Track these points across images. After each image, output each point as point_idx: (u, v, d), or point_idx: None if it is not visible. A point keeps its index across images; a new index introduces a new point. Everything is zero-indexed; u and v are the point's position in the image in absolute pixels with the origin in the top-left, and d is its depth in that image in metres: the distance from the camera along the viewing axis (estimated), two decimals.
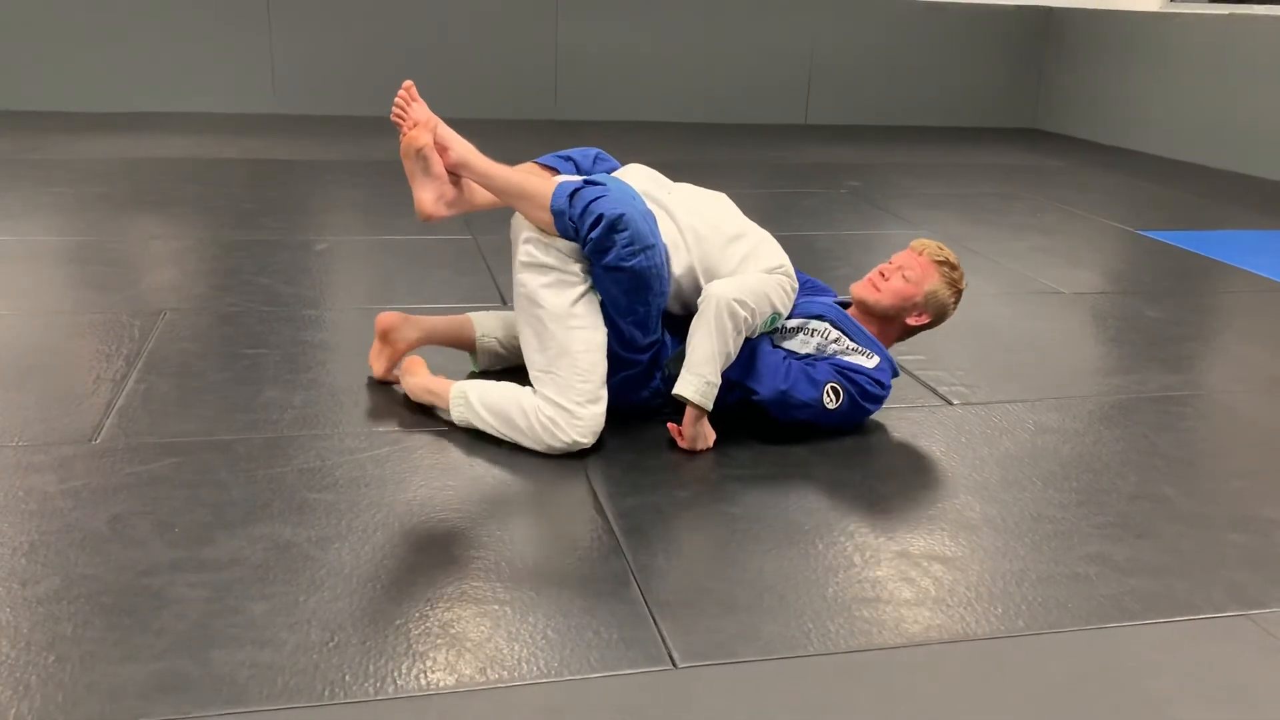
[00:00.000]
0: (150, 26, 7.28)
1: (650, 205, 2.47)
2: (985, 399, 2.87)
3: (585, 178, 2.39)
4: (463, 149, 2.41)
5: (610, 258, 2.29)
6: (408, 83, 2.42)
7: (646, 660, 1.69)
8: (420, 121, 2.38)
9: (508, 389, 2.44)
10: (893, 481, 2.38)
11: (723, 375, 2.45)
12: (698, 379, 2.38)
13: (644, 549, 2.02)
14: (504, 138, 7.06)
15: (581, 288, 2.38)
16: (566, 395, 2.34)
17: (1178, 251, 4.72)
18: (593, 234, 2.27)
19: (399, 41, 7.64)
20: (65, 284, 3.54)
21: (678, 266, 2.46)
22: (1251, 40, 6.89)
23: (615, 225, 2.26)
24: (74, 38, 7.17)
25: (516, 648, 1.70)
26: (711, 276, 2.48)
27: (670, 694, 1.62)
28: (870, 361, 2.57)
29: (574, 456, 2.39)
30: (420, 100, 2.42)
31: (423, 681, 1.61)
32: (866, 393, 2.53)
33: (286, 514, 2.08)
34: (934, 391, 2.90)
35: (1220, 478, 2.47)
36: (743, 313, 2.38)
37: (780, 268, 2.55)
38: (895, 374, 2.65)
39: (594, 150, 2.63)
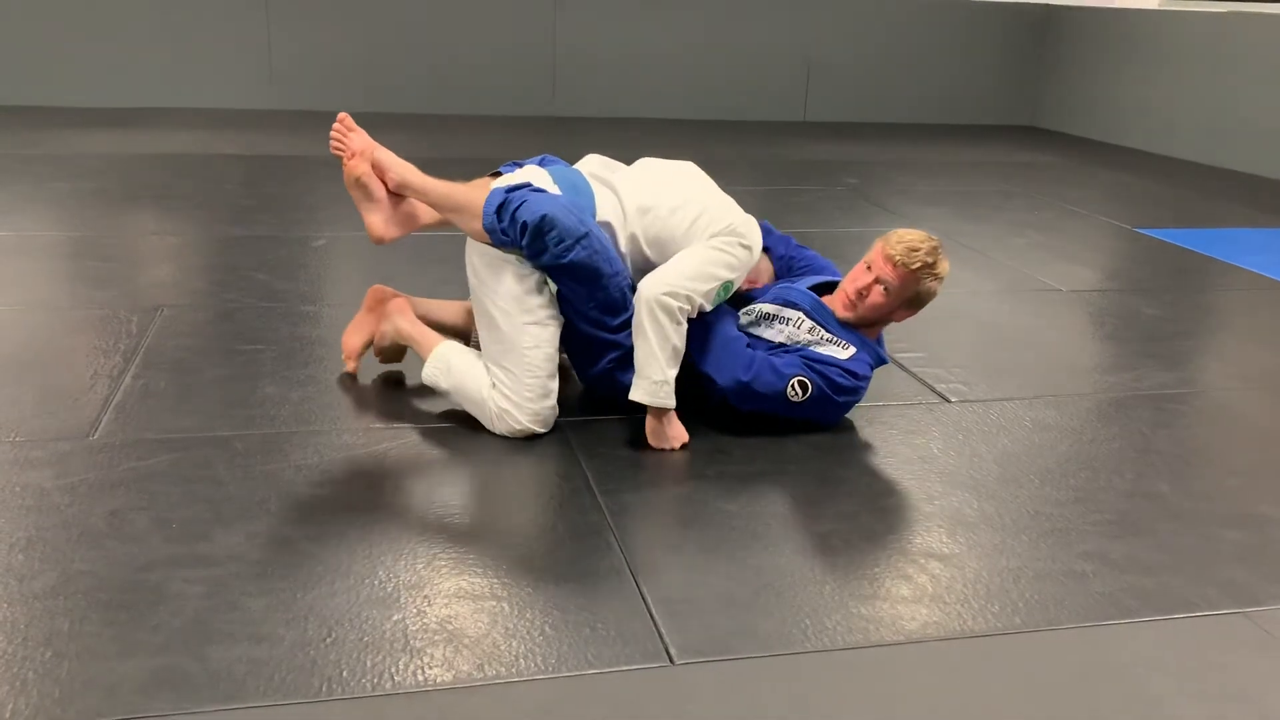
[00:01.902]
0: (147, 21, 7.27)
1: (596, 186, 2.51)
2: (983, 396, 2.87)
3: (509, 185, 2.39)
4: (400, 170, 2.48)
5: (547, 258, 2.32)
6: (342, 114, 2.48)
7: (644, 656, 1.69)
8: (357, 151, 2.46)
9: (478, 371, 2.47)
10: (890, 478, 2.38)
11: (688, 364, 2.47)
12: (645, 381, 2.40)
13: (641, 546, 2.02)
14: (502, 134, 7.05)
15: (532, 280, 2.40)
16: (518, 391, 2.40)
17: (1175, 249, 4.72)
18: (524, 242, 2.31)
19: (397, 36, 7.63)
20: (62, 279, 3.54)
21: (623, 243, 2.49)
22: (1249, 38, 6.89)
23: (541, 228, 2.29)
24: (71, 32, 7.16)
25: (514, 644, 1.70)
26: (663, 245, 2.49)
27: (667, 690, 1.62)
28: (845, 352, 2.54)
29: (572, 453, 2.39)
30: (357, 129, 2.49)
31: (420, 678, 1.61)
32: (838, 385, 2.50)
33: (284, 510, 2.08)
34: (931, 389, 2.90)
35: (1217, 475, 2.47)
36: (674, 303, 2.37)
37: (727, 228, 2.49)
38: (882, 361, 2.63)
39: (541, 156, 2.64)
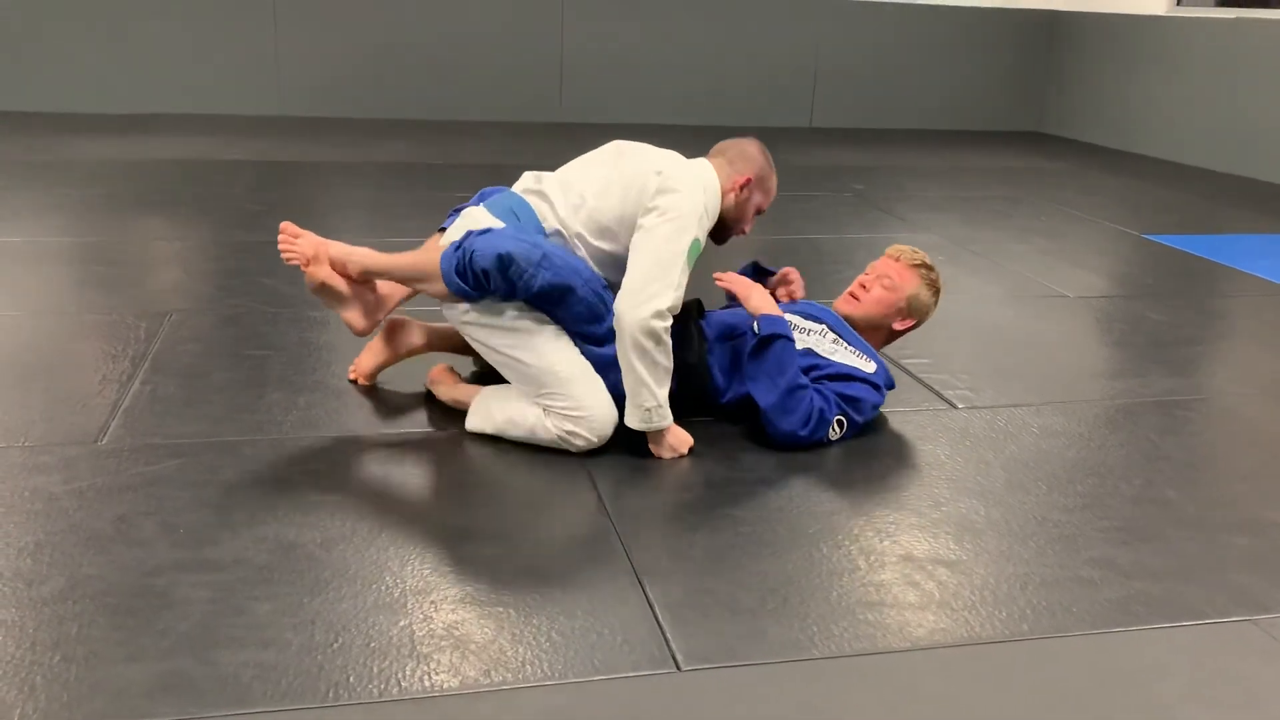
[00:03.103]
0: (156, 28, 7.30)
1: (533, 200, 2.50)
2: (990, 402, 2.86)
3: (454, 243, 2.35)
4: (359, 257, 2.47)
5: (520, 293, 2.31)
6: (283, 224, 2.46)
7: (650, 663, 1.69)
8: (311, 257, 2.44)
9: (519, 405, 2.42)
10: (897, 485, 2.37)
11: (750, 396, 2.47)
12: (637, 409, 2.36)
13: (648, 551, 2.02)
14: (509, 140, 7.07)
15: (512, 310, 2.37)
16: (573, 408, 2.35)
17: (1182, 255, 4.71)
18: (492, 287, 2.30)
19: (404, 44, 7.66)
20: (71, 285, 3.55)
21: (575, 245, 2.48)
22: (1257, 44, 6.88)
23: (502, 267, 2.26)
24: (80, 39, 7.19)
25: (520, 650, 1.70)
26: (610, 231, 2.45)
27: (674, 696, 1.62)
28: (869, 366, 2.57)
29: (579, 459, 2.39)
30: (303, 233, 2.47)
31: (427, 683, 1.61)
32: (863, 408, 2.54)
33: (291, 515, 2.09)
34: (938, 395, 2.90)
35: (1225, 481, 2.47)
36: (657, 324, 2.29)
37: (659, 181, 2.41)
38: (891, 385, 2.65)
39: (480, 192, 2.62)
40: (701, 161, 2.57)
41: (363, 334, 2.58)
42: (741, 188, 2.56)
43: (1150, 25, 7.76)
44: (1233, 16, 7.13)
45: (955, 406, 2.83)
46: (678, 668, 1.68)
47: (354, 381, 2.77)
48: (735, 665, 1.69)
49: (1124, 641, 1.82)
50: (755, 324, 2.49)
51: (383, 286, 2.58)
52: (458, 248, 2.32)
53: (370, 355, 2.76)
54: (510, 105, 7.91)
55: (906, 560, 2.04)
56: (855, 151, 7.36)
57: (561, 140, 7.08)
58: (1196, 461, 2.57)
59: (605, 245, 2.48)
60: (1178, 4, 7.73)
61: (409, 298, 2.64)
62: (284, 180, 5.40)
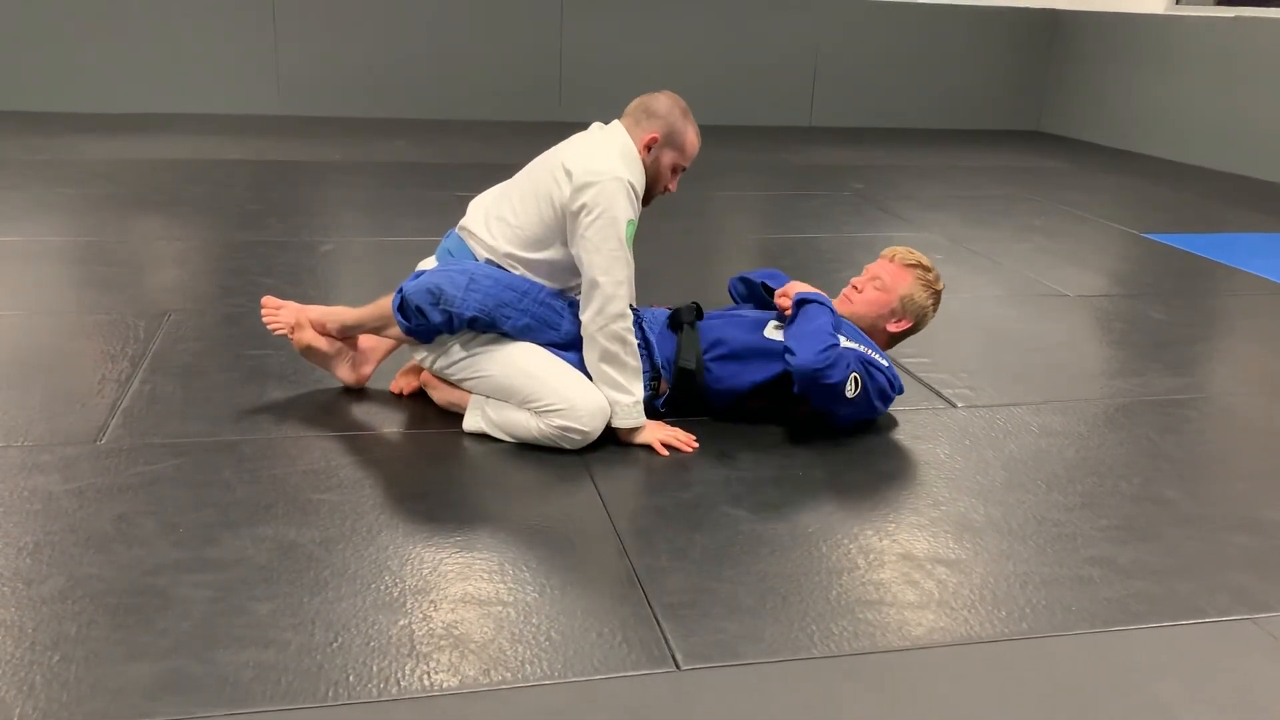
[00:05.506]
0: (156, 28, 7.29)
1: (464, 235, 2.59)
2: (989, 401, 2.86)
3: (396, 291, 2.45)
4: (336, 316, 2.63)
5: (458, 321, 2.39)
6: (264, 299, 2.66)
7: (650, 662, 1.69)
8: (294, 324, 2.59)
9: (519, 409, 2.44)
10: (896, 484, 2.37)
11: (743, 396, 2.52)
12: (614, 405, 2.42)
13: (648, 550, 2.02)
14: (508, 140, 7.06)
15: (464, 340, 2.45)
16: (556, 404, 2.38)
17: (1182, 254, 4.71)
18: (437, 321, 2.39)
19: (403, 43, 7.65)
20: (71, 284, 3.55)
21: (511, 266, 2.50)
22: (1256, 43, 6.88)
23: (434, 302, 2.37)
24: (80, 39, 7.19)
25: (520, 649, 1.70)
26: (540, 241, 2.47)
27: (673, 695, 1.62)
28: (883, 362, 2.58)
29: (578, 457, 2.39)
30: (283, 303, 2.63)
31: (426, 683, 1.61)
32: (882, 390, 2.53)
33: (291, 514, 2.09)
34: (938, 394, 2.90)
35: (1224, 480, 2.47)
36: (617, 326, 2.38)
37: (570, 177, 2.40)
38: (900, 390, 2.65)
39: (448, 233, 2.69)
40: (614, 128, 2.56)
41: (354, 386, 2.70)
42: (647, 148, 2.51)
43: (1150, 24, 7.76)
44: (1232, 15, 7.13)
45: (955, 405, 2.83)
46: (677, 667, 1.68)
47: (398, 394, 2.75)
48: (735, 664, 1.70)
49: (1123, 640, 1.82)
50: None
51: (365, 340, 2.71)
52: (398, 294, 2.44)
53: (405, 377, 2.77)
54: (510, 105, 7.90)
55: (906, 559, 2.04)
56: (854, 150, 7.36)
57: (561, 139, 7.06)
58: (1196, 460, 2.57)
59: (542, 255, 2.49)
60: (1176, 3, 7.72)
61: (393, 349, 2.75)
62: (284, 180, 5.40)
